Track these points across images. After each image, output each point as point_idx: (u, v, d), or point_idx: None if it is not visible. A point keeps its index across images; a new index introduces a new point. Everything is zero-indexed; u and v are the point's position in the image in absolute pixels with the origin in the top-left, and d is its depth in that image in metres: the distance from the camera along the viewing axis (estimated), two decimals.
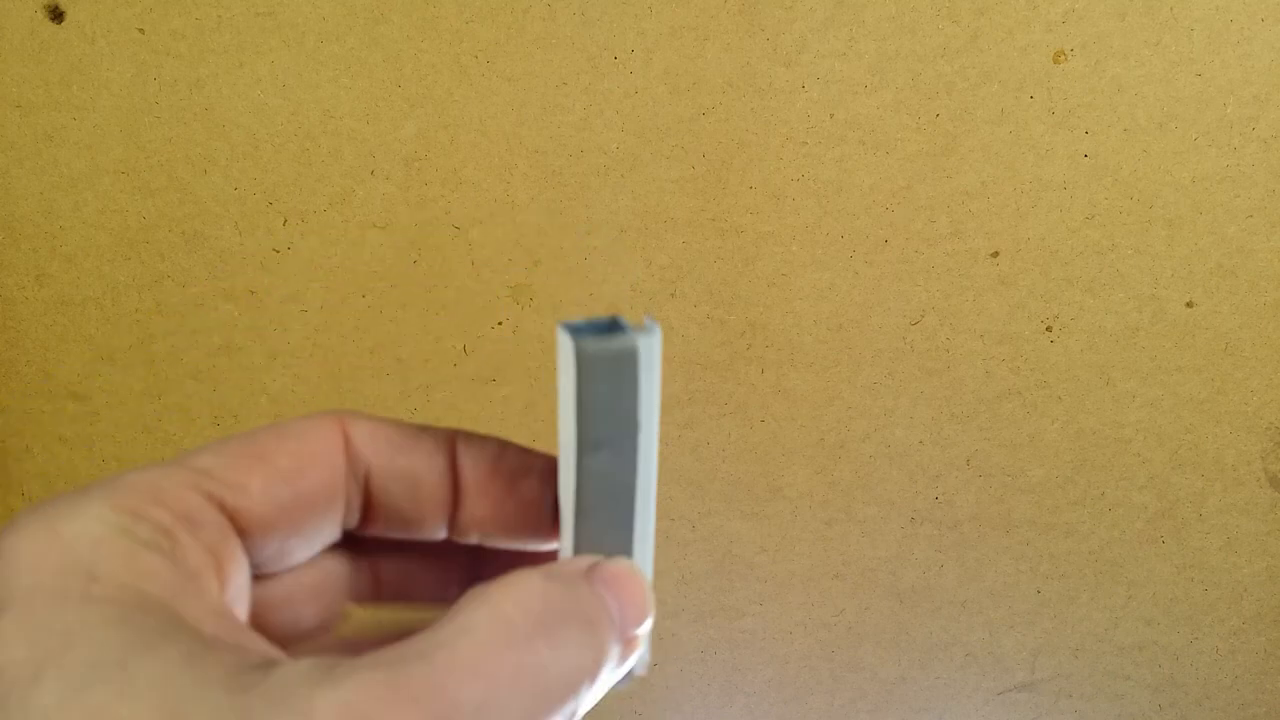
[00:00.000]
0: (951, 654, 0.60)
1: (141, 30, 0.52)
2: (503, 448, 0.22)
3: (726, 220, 0.53)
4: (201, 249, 0.55)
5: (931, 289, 0.54)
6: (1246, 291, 0.52)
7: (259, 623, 0.21)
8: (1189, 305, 0.53)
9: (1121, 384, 0.54)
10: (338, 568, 0.22)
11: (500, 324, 0.55)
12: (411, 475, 0.21)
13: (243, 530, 0.19)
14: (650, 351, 0.20)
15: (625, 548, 0.21)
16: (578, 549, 0.21)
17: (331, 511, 0.20)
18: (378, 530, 0.22)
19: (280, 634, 0.21)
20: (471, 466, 0.21)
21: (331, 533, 0.21)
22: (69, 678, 0.15)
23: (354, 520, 0.21)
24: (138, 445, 0.58)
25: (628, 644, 0.19)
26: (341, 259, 0.55)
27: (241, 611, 0.19)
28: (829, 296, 0.54)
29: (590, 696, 0.18)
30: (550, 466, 0.22)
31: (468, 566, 0.24)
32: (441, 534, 0.22)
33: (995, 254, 0.53)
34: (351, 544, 0.22)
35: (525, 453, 0.22)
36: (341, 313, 0.56)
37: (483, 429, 0.23)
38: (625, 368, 0.19)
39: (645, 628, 0.20)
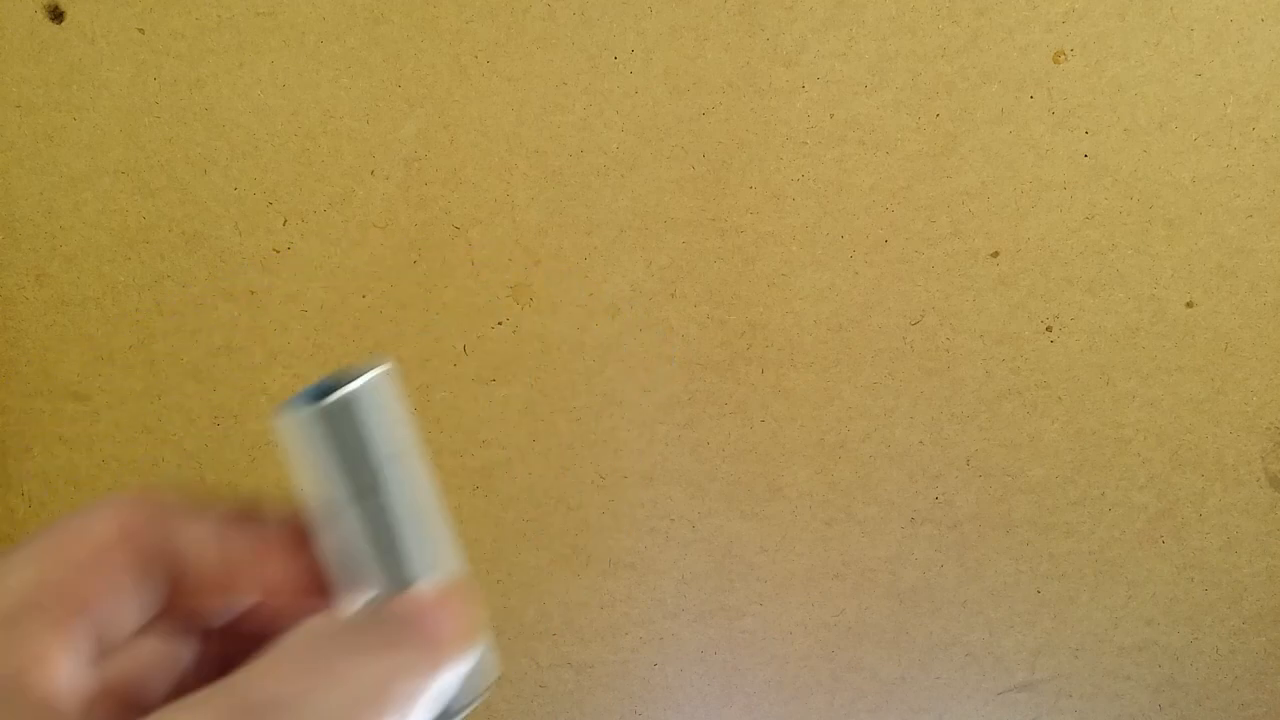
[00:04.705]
0: (951, 654, 0.60)
1: (141, 30, 0.52)
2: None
3: (726, 220, 0.53)
4: (201, 249, 0.55)
5: (931, 289, 0.54)
6: (1246, 291, 0.52)
7: (110, 694, 0.20)
8: (1189, 305, 0.53)
9: (1121, 384, 0.54)
10: (161, 645, 0.21)
11: (500, 324, 0.55)
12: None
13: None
14: (371, 392, 0.20)
15: (417, 571, 0.21)
16: (379, 586, 0.20)
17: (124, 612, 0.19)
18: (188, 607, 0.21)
19: (135, 705, 0.21)
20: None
21: (138, 618, 0.20)
22: None
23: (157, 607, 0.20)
24: (138, 445, 0.58)
25: (444, 662, 0.19)
26: (341, 259, 0.55)
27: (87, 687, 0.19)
28: (829, 296, 0.54)
29: (412, 709, 0.18)
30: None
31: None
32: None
33: (995, 254, 0.53)
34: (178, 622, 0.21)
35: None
36: (341, 313, 0.56)
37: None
38: (346, 420, 0.20)
39: (468, 644, 0.20)
